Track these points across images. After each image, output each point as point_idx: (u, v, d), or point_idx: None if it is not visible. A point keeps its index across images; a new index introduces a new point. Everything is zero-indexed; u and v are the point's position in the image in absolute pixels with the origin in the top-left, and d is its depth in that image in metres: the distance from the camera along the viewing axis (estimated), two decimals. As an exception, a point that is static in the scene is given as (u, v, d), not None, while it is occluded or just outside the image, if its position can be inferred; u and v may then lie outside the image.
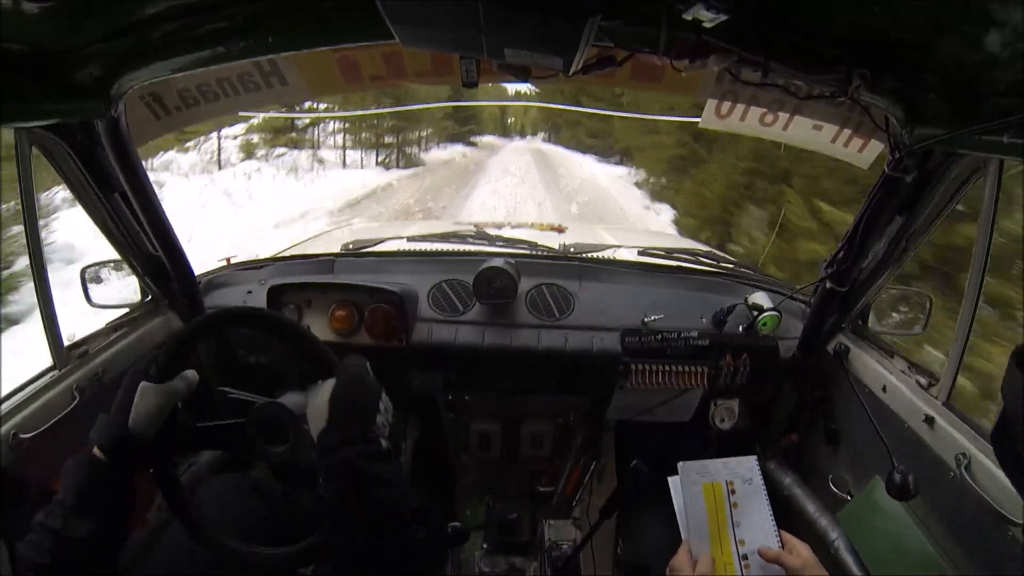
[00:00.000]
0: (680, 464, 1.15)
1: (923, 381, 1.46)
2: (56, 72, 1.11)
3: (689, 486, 1.14)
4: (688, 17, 0.88)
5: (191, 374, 1.13)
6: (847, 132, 1.49)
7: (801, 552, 1.07)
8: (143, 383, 1.06)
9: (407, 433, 2.18)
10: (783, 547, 1.08)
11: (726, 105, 1.48)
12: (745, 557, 1.08)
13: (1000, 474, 1.18)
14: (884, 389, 1.57)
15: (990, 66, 0.97)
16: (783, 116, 1.50)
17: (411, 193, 15.69)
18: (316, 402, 1.06)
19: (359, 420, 1.02)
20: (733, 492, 1.14)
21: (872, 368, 1.64)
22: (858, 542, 1.56)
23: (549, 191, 16.34)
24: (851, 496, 1.65)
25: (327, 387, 1.06)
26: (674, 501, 1.16)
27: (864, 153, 1.52)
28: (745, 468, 1.16)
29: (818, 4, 0.98)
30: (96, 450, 1.03)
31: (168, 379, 1.09)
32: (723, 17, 0.86)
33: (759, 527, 1.11)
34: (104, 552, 1.03)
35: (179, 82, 1.49)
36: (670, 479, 1.17)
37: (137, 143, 1.44)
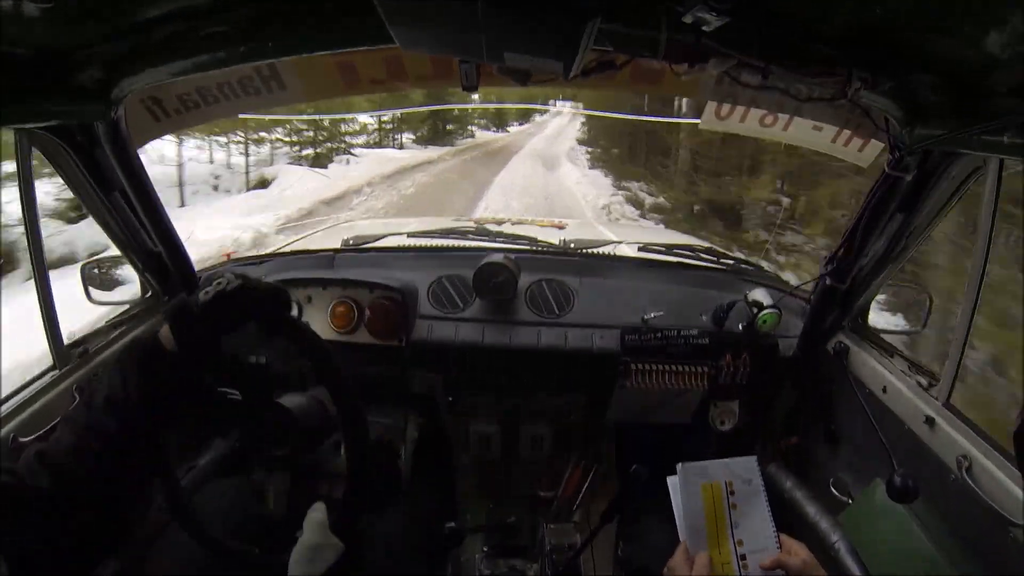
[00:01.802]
0: (679, 465, 1.15)
1: (923, 381, 1.46)
2: (57, 74, 1.12)
3: (688, 487, 1.13)
4: (688, 20, 0.88)
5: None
6: (847, 132, 1.49)
7: (800, 553, 1.07)
8: (254, 322, 1.00)
9: (407, 433, 2.19)
10: (781, 548, 1.08)
11: (726, 107, 1.48)
12: (744, 557, 1.08)
13: (1001, 476, 1.18)
14: (884, 389, 1.57)
15: (990, 66, 0.97)
16: (783, 117, 1.51)
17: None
18: (315, 556, 1.02)
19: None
20: (732, 493, 1.13)
21: (872, 368, 1.64)
22: (859, 545, 1.56)
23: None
24: (851, 498, 1.65)
25: (333, 549, 1.03)
26: (672, 501, 1.16)
27: (864, 152, 1.52)
28: (744, 469, 1.16)
29: (817, 6, 0.98)
30: (165, 337, 0.91)
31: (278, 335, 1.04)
32: (723, 20, 0.86)
33: (758, 528, 1.11)
34: (152, 467, 0.93)
35: (179, 85, 1.49)
36: (669, 479, 1.17)
37: (137, 144, 1.45)
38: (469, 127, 30.16)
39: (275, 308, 1.00)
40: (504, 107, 31.49)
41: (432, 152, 21.12)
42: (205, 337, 0.93)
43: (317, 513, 1.04)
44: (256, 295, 0.98)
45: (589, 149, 21.95)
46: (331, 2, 1.07)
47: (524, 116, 40.10)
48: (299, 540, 1.02)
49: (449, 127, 26.32)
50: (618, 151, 17.89)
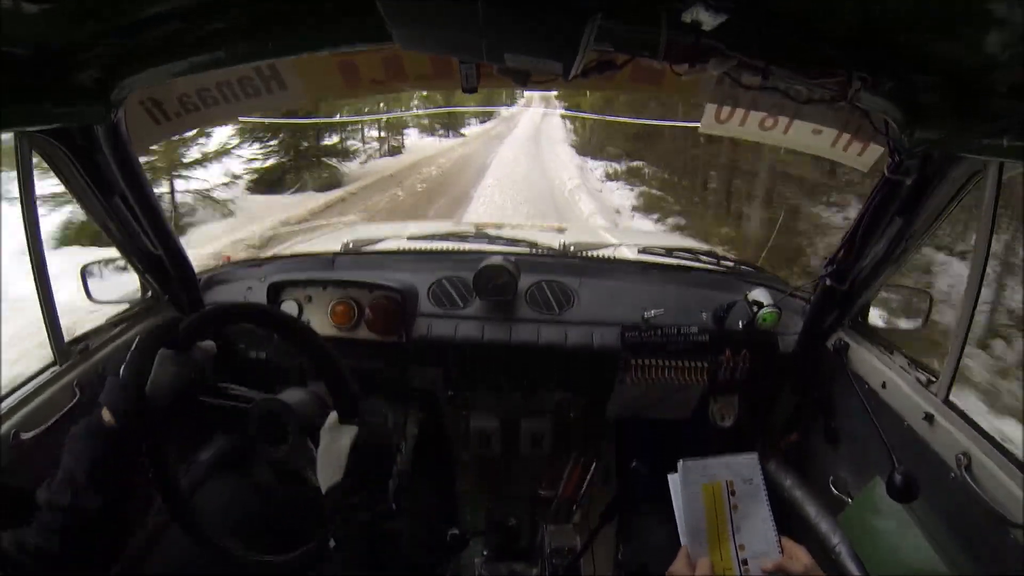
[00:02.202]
0: (680, 462, 1.14)
1: (922, 378, 1.46)
2: (56, 76, 1.12)
3: (689, 486, 1.13)
4: (687, 19, 0.88)
5: (209, 345, 1.09)
6: (847, 136, 1.49)
7: (801, 557, 1.06)
8: (163, 350, 1.02)
9: (407, 431, 2.19)
10: (782, 552, 1.08)
11: (726, 110, 1.48)
12: (745, 562, 1.07)
13: (1001, 475, 1.18)
14: (884, 386, 1.57)
15: (989, 68, 0.97)
16: (783, 120, 1.51)
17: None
18: (332, 446, 1.01)
19: (376, 482, 1.02)
20: (733, 493, 1.13)
21: (871, 364, 1.65)
22: (859, 544, 1.55)
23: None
24: (851, 497, 1.65)
25: (346, 434, 1.02)
26: (673, 501, 1.15)
27: (864, 156, 1.52)
28: (745, 467, 1.15)
29: (817, 6, 0.98)
30: (106, 416, 0.96)
31: (189, 347, 1.05)
32: (722, 18, 0.87)
33: (759, 531, 1.10)
34: (114, 531, 0.97)
35: (179, 87, 1.49)
36: (670, 477, 1.16)
37: (137, 148, 1.45)
38: (396, 137, 21.55)
39: (171, 324, 1.05)
40: (459, 111, 25.48)
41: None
42: (132, 398, 0.99)
43: (331, 418, 1.05)
44: (148, 331, 1.07)
45: (608, 165, 16.50)
46: (331, 1, 1.07)
47: (486, 112, 32.39)
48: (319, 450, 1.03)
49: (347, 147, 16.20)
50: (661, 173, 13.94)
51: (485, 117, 33.78)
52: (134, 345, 1.02)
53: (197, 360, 1.07)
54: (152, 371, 1.00)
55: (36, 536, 0.89)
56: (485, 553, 2.08)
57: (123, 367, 1.00)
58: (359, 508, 0.95)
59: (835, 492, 1.71)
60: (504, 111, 35.22)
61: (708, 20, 0.88)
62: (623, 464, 2.23)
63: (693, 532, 1.10)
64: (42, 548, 0.88)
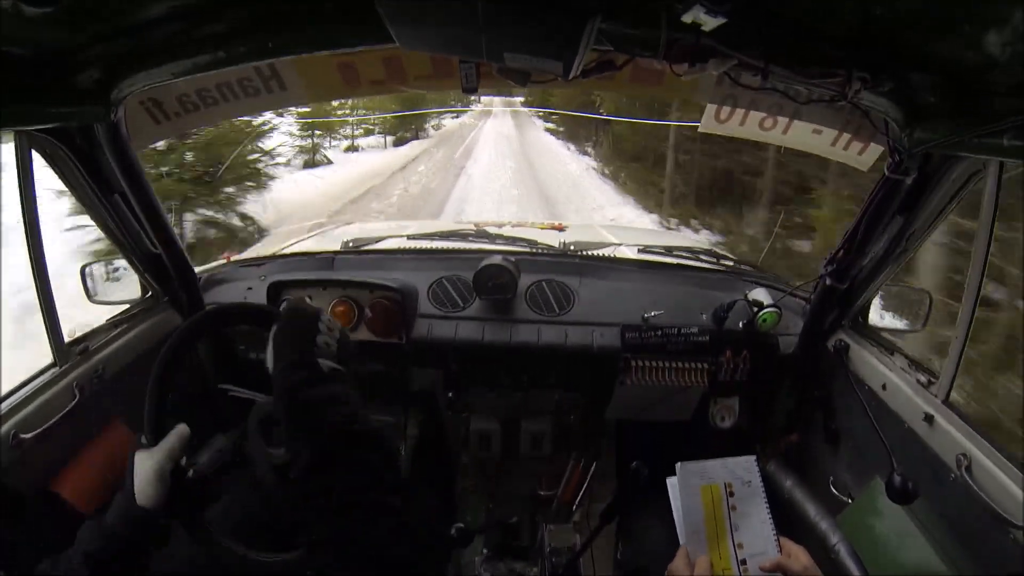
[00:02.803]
0: (678, 465, 1.15)
1: (923, 379, 1.46)
2: (56, 76, 1.12)
3: (687, 488, 1.13)
4: (687, 20, 0.88)
5: (182, 428, 1.11)
6: (847, 135, 1.49)
7: (800, 557, 1.07)
8: (136, 452, 1.05)
9: (407, 432, 2.19)
10: (781, 551, 1.08)
11: (726, 110, 1.48)
12: (744, 561, 1.08)
13: (1001, 475, 1.18)
14: (884, 387, 1.57)
15: (989, 68, 0.97)
16: (783, 120, 1.51)
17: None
18: (267, 350, 1.08)
19: (296, 347, 1.04)
20: (732, 494, 1.13)
21: (872, 365, 1.65)
22: (859, 545, 1.55)
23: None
24: (851, 498, 1.65)
25: (272, 333, 1.09)
26: (672, 503, 1.15)
27: (864, 156, 1.52)
28: (744, 469, 1.15)
29: (817, 6, 0.98)
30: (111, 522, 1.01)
31: (158, 438, 1.07)
32: (721, 20, 0.86)
33: (758, 531, 1.10)
34: None
35: (179, 87, 1.49)
36: (668, 480, 1.16)
37: (136, 147, 1.45)
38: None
39: None
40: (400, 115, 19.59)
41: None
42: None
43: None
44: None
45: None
46: (331, 2, 1.07)
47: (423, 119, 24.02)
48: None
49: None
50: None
51: (424, 128, 25.61)
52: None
53: (172, 447, 1.08)
54: (134, 478, 1.03)
55: None
56: (485, 552, 2.09)
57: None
58: (294, 375, 1.00)
59: (835, 492, 1.71)
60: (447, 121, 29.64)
61: (708, 21, 0.87)
62: (623, 464, 2.23)
63: (692, 532, 1.10)
64: None
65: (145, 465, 1.04)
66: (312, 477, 0.97)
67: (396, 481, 1.03)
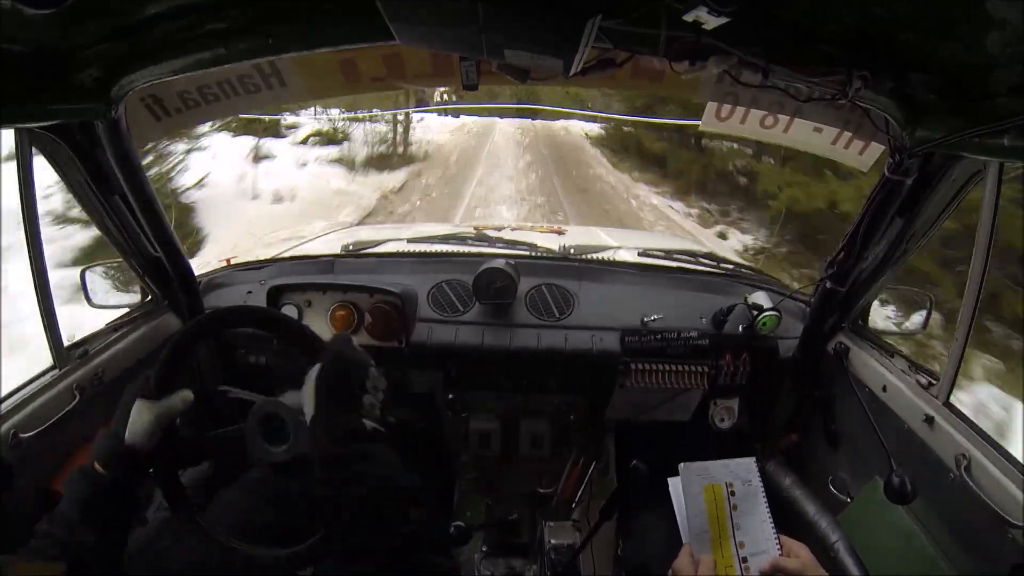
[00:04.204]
0: (681, 465, 1.15)
1: (923, 381, 1.46)
2: (56, 73, 1.12)
3: (690, 488, 1.14)
4: (688, 19, 0.88)
5: (186, 393, 1.13)
6: (847, 135, 1.49)
7: (799, 553, 1.07)
8: (139, 400, 1.07)
9: (407, 433, 2.18)
10: (781, 549, 1.08)
11: (726, 108, 1.48)
12: (745, 560, 1.08)
13: (1000, 475, 1.18)
14: (884, 389, 1.57)
15: (990, 68, 0.97)
16: (783, 119, 1.51)
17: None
18: (305, 389, 1.05)
19: (343, 402, 1.02)
20: (733, 494, 1.14)
21: (872, 367, 1.65)
22: (858, 544, 1.56)
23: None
24: (851, 497, 1.65)
25: (314, 372, 1.05)
26: (674, 503, 1.16)
27: (864, 155, 1.53)
28: (744, 470, 1.16)
29: (817, 5, 0.98)
30: (96, 464, 1.04)
31: (163, 396, 1.09)
32: (723, 20, 0.86)
33: (758, 529, 1.11)
34: (108, 558, 1.04)
35: (179, 84, 1.49)
36: (670, 480, 1.17)
37: (137, 144, 1.45)
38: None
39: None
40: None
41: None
42: (115, 450, 1.05)
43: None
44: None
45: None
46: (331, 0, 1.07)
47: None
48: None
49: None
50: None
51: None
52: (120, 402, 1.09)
53: (174, 406, 1.10)
54: (128, 420, 1.06)
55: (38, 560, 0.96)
56: (484, 549, 2.08)
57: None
58: (335, 430, 0.98)
59: (834, 492, 1.71)
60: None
61: (710, 20, 0.87)
62: (623, 463, 2.23)
63: (695, 531, 1.11)
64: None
65: (144, 413, 1.07)
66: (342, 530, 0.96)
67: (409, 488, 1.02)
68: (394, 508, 0.93)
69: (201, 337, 1.16)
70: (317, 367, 1.06)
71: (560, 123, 30.18)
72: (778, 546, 1.08)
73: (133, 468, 1.06)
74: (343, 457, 0.96)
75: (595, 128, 26.26)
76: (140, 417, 1.06)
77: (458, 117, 26.83)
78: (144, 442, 1.06)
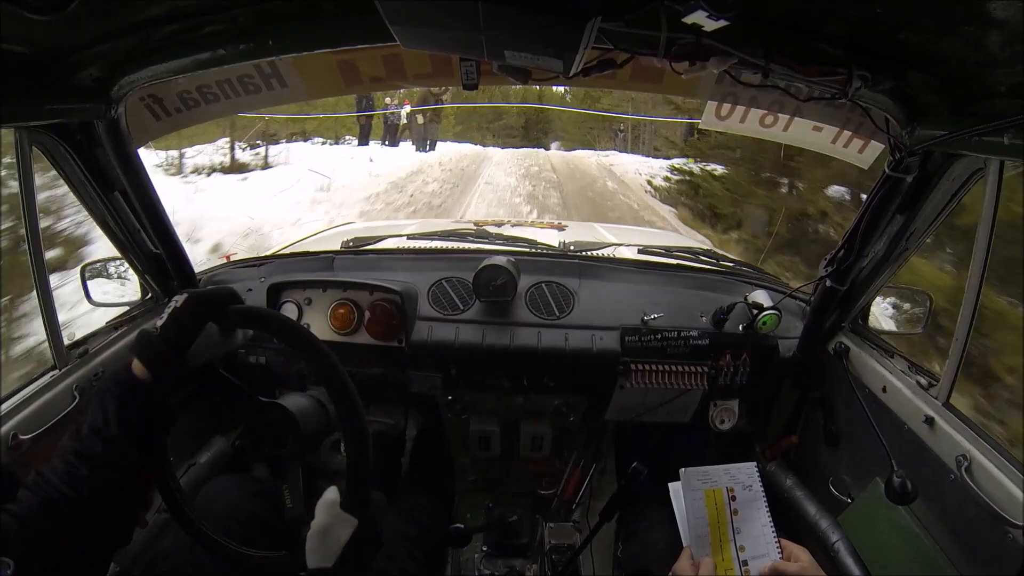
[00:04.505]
0: (682, 470, 1.16)
1: (923, 381, 1.46)
2: (56, 73, 1.12)
3: (691, 492, 1.14)
4: (688, 21, 0.88)
5: (248, 333, 1.09)
6: (847, 133, 1.49)
7: (800, 557, 1.07)
8: (212, 324, 1.01)
9: (407, 432, 2.19)
10: (782, 553, 1.08)
11: (726, 107, 1.48)
12: (745, 563, 1.09)
13: (1000, 476, 1.18)
14: (884, 389, 1.57)
15: (990, 67, 0.97)
16: (783, 117, 1.51)
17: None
18: (327, 534, 0.99)
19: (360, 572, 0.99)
20: (734, 498, 1.14)
21: (872, 368, 1.65)
22: (859, 545, 1.56)
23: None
24: (851, 498, 1.65)
25: (345, 526, 0.98)
26: (675, 507, 1.16)
27: (864, 154, 1.53)
28: (745, 475, 1.17)
29: (818, 5, 0.98)
30: (138, 369, 0.95)
31: (234, 329, 1.06)
32: (723, 23, 0.86)
33: (758, 533, 1.11)
34: (141, 492, 0.98)
35: (179, 84, 1.48)
36: (671, 485, 1.17)
37: (137, 144, 1.45)
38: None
39: (226, 302, 1.03)
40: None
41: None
42: (172, 357, 0.97)
43: (329, 494, 1.02)
44: (203, 298, 1.02)
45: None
46: (332, 1, 1.07)
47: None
48: (311, 525, 1.00)
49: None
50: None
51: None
52: (182, 304, 0.99)
53: (234, 343, 1.07)
54: (198, 339, 0.99)
55: (61, 484, 0.87)
56: (485, 549, 2.09)
57: (163, 325, 0.98)
58: None
59: (835, 493, 1.71)
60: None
61: (709, 24, 0.87)
62: (623, 464, 2.23)
63: (696, 534, 1.12)
64: (68, 496, 0.87)
65: (213, 337, 1.02)
66: None
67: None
68: None
69: (276, 334, 1.10)
70: (351, 524, 0.99)
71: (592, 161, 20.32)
72: (779, 550, 1.09)
73: (179, 381, 1.00)
74: (364, 564, 0.97)
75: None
76: (208, 340, 1.00)
77: (428, 150, 16.36)
78: (200, 364, 1.01)
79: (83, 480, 0.88)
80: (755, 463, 1.17)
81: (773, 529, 1.11)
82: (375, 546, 1.01)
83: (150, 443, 0.97)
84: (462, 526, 1.71)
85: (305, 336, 1.04)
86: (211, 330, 1.01)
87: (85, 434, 0.90)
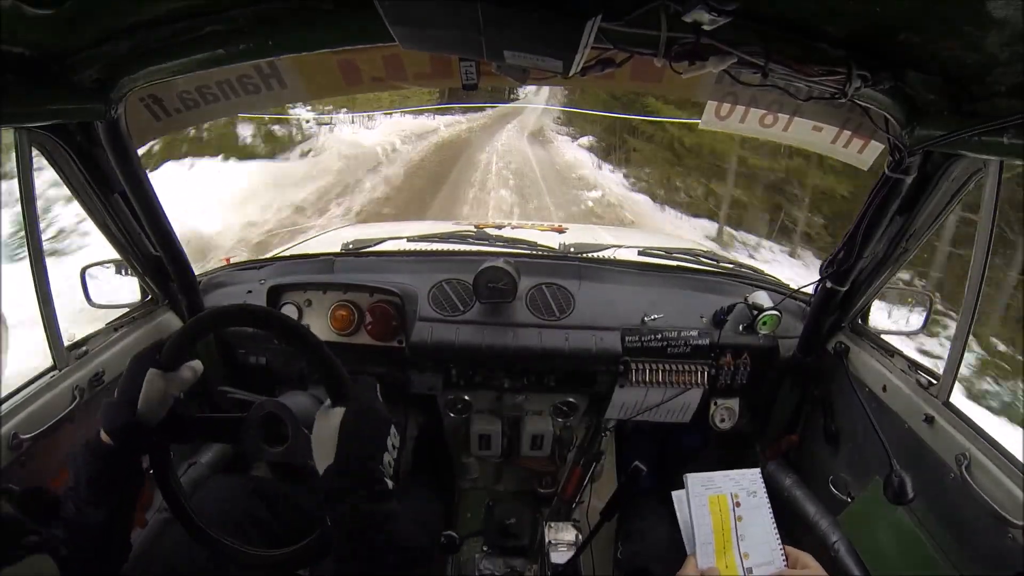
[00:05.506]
0: (686, 477, 1.15)
1: (923, 380, 1.46)
2: (56, 74, 1.12)
3: (695, 499, 1.13)
4: (688, 20, 0.88)
5: (197, 364, 1.12)
6: (847, 133, 1.49)
7: (808, 564, 1.06)
8: (151, 370, 1.05)
9: (407, 431, 2.19)
10: (787, 561, 1.08)
11: (726, 106, 1.48)
12: (750, 570, 1.08)
13: (1000, 475, 1.19)
14: (884, 388, 1.57)
15: (990, 67, 0.97)
16: (783, 117, 1.51)
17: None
18: (323, 433, 1.00)
19: (366, 462, 0.97)
20: (738, 505, 1.13)
21: (872, 367, 1.65)
22: (859, 544, 1.56)
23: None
24: (851, 497, 1.65)
25: (335, 416, 0.99)
26: (678, 514, 1.15)
27: (864, 154, 1.53)
28: (749, 480, 1.16)
29: (818, 5, 0.98)
30: (103, 436, 1.02)
31: (176, 367, 1.08)
32: (723, 21, 0.86)
33: (762, 541, 1.10)
34: (118, 536, 1.04)
35: (179, 84, 1.48)
36: (674, 493, 1.16)
37: (137, 144, 1.44)
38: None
39: (156, 349, 1.09)
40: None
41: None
42: (126, 419, 1.03)
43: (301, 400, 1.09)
44: (137, 354, 1.11)
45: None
46: (331, 1, 1.07)
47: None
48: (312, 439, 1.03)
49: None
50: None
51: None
52: (125, 370, 1.07)
53: (184, 379, 1.09)
54: (142, 391, 1.04)
55: (43, 542, 0.94)
56: (485, 549, 2.09)
57: (116, 390, 1.05)
58: (353, 490, 0.95)
59: (835, 492, 1.71)
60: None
61: (709, 21, 0.87)
62: (623, 464, 2.23)
63: (700, 541, 1.11)
64: (52, 551, 0.93)
65: (157, 383, 1.05)
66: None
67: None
68: (403, 562, 0.97)
69: (219, 326, 1.14)
70: (340, 412, 1.00)
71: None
72: (783, 558, 1.08)
73: (140, 440, 1.04)
74: (357, 518, 0.94)
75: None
76: (153, 387, 1.04)
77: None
78: (154, 414, 1.05)
79: (62, 540, 0.96)
80: (759, 469, 1.17)
81: (778, 536, 1.11)
82: (372, 420, 1.01)
83: (120, 502, 1.03)
84: (453, 534, 1.70)
85: (260, 309, 1.09)
86: (152, 376, 1.05)
87: (62, 496, 1.00)
